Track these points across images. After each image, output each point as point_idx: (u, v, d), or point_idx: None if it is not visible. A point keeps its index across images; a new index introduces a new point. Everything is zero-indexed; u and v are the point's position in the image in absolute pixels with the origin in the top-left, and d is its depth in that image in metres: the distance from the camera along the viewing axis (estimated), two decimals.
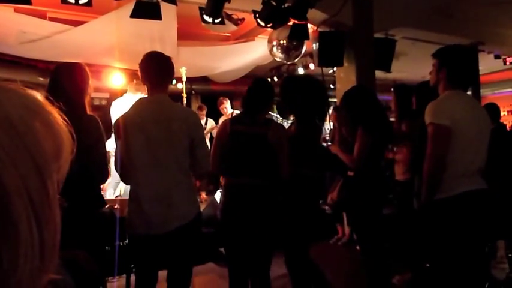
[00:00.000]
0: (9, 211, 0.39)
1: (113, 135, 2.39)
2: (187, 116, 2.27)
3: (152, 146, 2.15)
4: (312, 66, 6.91)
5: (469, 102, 2.36)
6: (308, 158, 2.71)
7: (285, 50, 5.06)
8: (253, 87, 2.63)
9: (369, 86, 4.39)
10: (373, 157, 2.84)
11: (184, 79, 5.57)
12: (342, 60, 4.55)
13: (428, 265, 3.03)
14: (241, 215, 2.45)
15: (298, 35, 4.46)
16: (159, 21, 3.81)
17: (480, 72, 6.63)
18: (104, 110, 6.98)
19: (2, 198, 0.39)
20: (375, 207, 2.93)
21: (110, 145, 2.83)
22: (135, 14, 3.60)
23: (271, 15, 3.95)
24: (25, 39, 5.04)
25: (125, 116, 2.22)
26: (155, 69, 2.26)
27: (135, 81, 5.08)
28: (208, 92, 8.71)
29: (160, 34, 4.94)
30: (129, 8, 3.77)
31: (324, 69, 5.11)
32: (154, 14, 3.59)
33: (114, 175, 3.16)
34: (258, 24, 4.10)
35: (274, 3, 3.76)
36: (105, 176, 2.37)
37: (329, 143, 3.06)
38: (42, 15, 5.06)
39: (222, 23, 4.02)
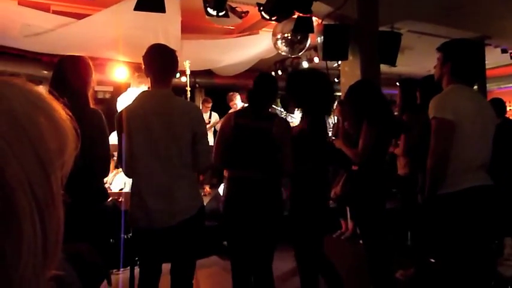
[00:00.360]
0: (13, 206, 0.39)
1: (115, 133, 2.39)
2: (190, 110, 2.26)
3: (154, 139, 2.14)
4: (316, 59, 6.88)
5: (473, 96, 2.33)
6: (320, 152, 2.70)
7: (290, 43, 5.03)
8: (259, 81, 2.62)
9: (373, 80, 4.36)
10: (377, 151, 2.83)
11: (188, 72, 5.55)
12: (347, 54, 4.51)
13: (432, 260, 3.03)
14: (244, 208, 2.46)
15: (302, 28, 4.42)
16: (162, 14, 3.79)
17: (486, 67, 6.57)
18: (107, 103, 7.00)
19: (5, 193, 0.38)
20: (379, 202, 2.92)
21: (113, 138, 2.83)
22: (138, 7, 3.58)
23: (275, 8, 3.91)
24: (29, 32, 5.04)
25: (127, 109, 2.21)
26: (159, 62, 2.24)
27: (136, 74, 5.06)
28: (212, 85, 8.69)
29: (163, 27, 4.92)
30: (133, 0, 3.75)
31: (329, 62, 5.07)
32: (158, 6, 3.57)
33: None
34: (263, 17, 4.07)
35: None
36: (107, 169, 2.37)
37: (333, 138, 3.04)
38: (46, 8, 5.06)
39: (226, 16, 3.99)
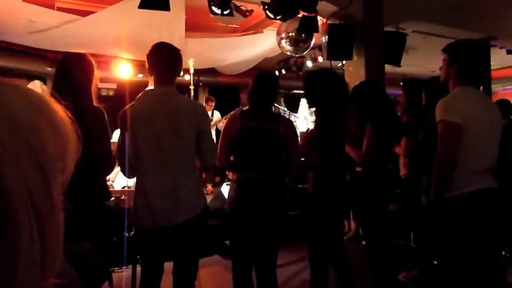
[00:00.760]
0: (10, 214, 0.37)
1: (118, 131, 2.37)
2: (195, 109, 2.25)
3: (159, 138, 2.13)
4: (320, 59, 6.85)
5: (480, 98, 2.31)
6: (333, 151, 2.72)
7: (294, 42, 5.02)
8: (259, 80, 2.58)
9: (378, 80, 4.34)
10: (381, 153, 2.82)
11: (191, 71, 5.55)
12: (352, 54, 4.49)
13: (435, 262, 3.01)
14: (252, 209, 2.44)
15: (307, 28, 4.41)
16: (167, 12, 3.78)
17: (491, 68, 6.53)
18: (111, 100, 7.01)
19: (2, 199, 0.37)
20: (382, 203, 2.91)
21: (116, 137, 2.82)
22: (143, 5, 3.57)
23: (280, 7, 3.90)
24: (33, 28, 5.04)
25: (130, 108, 2.19)
26: (163, 60, 2.22)
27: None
28: (216, 83, 8.68)
29: (168, 25, 4.92)
30: None
31: (333, 62, 5.06)
32: (163, 4, 3.56)
33: None
34: (267, 16, 4.06)
35: None
36: (110, 167, 2.36)
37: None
38: (50, 5, 5.06)
39: (230, 14, 3.98)
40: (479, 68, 2.38)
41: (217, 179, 7.47)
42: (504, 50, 6.87)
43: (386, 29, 4.72)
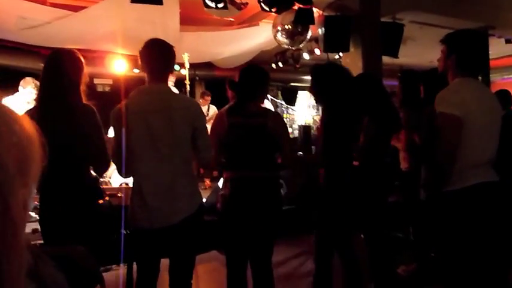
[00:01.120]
0: None
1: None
2: (189, 105, 2.21)
3: (154, 136, 2.09)
4: (317, 51, 6.79)
5: (480, 90, 2.28)
6: (339, 147, 2.69)
7: (290, 35, 4.97)
8: (245, 74, 2.51)
9: (375, 72, 4.30)
10: (378, 147, 2.79)
11: (187, 65, 5.49)
12: (348, 46, 4.44)
13: (433, 255, 3.00)
14: (246, 207, 2.41)
15: (303, 20, 4.35)
16: (160, 6, 3.73)
17: (490, 57, 6.48)
18: (107, 96, 6.95)
19: None
20: (380, 197, 2.90)
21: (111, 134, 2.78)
22: None
23: (275, 0, 3.84)
24: (25, 25, 4.98)
25: (124, 106, 2.15)
26: (156, 57, 2.18)
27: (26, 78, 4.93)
28: (212, 77, 8.62)
29: (162, 19, 4.86)
30: None
31: (330, 54, 5.01)
32: None
33: None
34: (262, 8, 4.01)
35: None
36: (106, 165, 2.33)
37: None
38: (42, 1, 4.99)
39: (225, 8, 3.93)
40: (478, 59, 2.34)
41: (215, 173, 7.44)
42: (503, 40, 6.81)
43: (383, 19, 4.66)
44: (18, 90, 4.92)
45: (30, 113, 2.20)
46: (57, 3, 5.13)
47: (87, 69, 2.31)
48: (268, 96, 6.75)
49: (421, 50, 7.23)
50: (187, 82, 5.67)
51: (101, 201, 2.26)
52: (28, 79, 4.91)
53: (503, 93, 4.13)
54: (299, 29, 4.91)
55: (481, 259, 2.12)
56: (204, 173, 6.64)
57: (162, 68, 2.20)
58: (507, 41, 6.86)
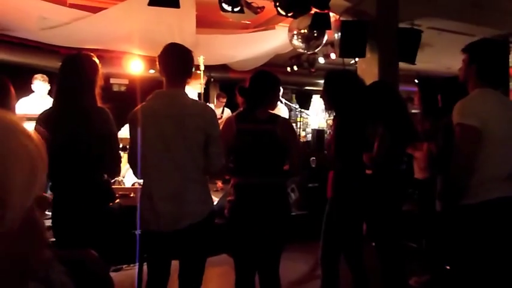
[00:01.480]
0: None
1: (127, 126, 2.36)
2: (203, 112, 2.21)
3: (166, 141, 2.10)
4: (333, 55, 6.75)
5: (500, 101, 2.22)
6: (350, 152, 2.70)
7: (306, 39, 4.94)
8: (254, 81, 2.50)
9: (392, 79, 4.25)
10: (393, 156, 2.75)
11: (202, 68, 5.52)
12: (365, 51, 4.40)
13: (448, 268, 2.94)
14: (254, 214, 2.41)
15: (319, 25, 4.33)
16: (177, 8, 3.75)
17: (510, 65, 6.35)
18: (123, 96, 7.03)
19: None
20: (393, 206, 2.86)
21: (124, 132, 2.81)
22: (153, 2, 3.54)
23: (292, 4, 3.83)
24: (45, 25, 5.08)
25: (140, 109, 2.17)
26: (174, 62, 2.19)
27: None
28: (227, 79, 8.64)
29: (178, 22, 4.90)
30: None
31: (346, 59, 4.97)
32: (172, 1, 3.53)
33: None
34: (279, 13, 4.00)
35: None
36: (118, 167, 2.35)
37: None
38: (62, 2, 5.08)
39: (241, 11, 3.93)
40: (498, 69, 2.29)
41: (227, 176, 7.44)
42: None
43: (400, 25, 4.61)
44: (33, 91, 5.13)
45: (45, 115, 2.24)
46: (77, 4, 5.21)
47: (104, 70, 2.34)
48: (282, 99, 6.73)
49: (438, 56, 7.12)
50: (202, 84, 5.69)
51: (111, 204, 2.28)
52: (35, 76, 5.16)
53: None
54: (315, 34, 4.89)
55: (498, 275, 2.07)
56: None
57: (180, 72, 2.21)
58: None
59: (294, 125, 4.47)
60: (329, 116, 10.17)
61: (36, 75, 5.26)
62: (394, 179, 2.82)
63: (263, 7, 4.31)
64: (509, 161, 2.12)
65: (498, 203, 2.04)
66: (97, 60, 2.29)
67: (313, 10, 4.12)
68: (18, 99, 3.27)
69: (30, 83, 5.19)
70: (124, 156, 3.11)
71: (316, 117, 10.52)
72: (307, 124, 10.07)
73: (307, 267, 4.04)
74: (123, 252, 2.81)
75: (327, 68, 7.85)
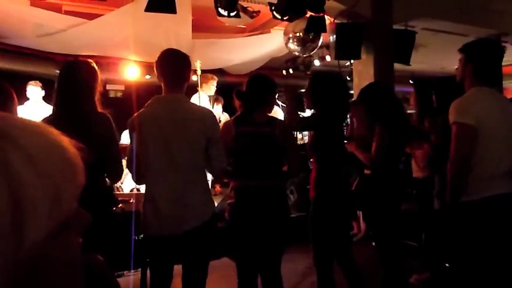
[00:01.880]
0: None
1: (127, 132, 2.38)
2: (203, 116, 2.23)
3: (168, 145, 2.12)
4: (328, 58, 6.80)
5: (496, 99, 2.26)
6: (328, 153, 2.70)
7: (301, 42, 4.98)
8: (251, 84, 2.54)
9: (387, 80, 4.29)
10: (391, 156, 2.78)
11: (199, 72, 5.54)
12: (360, 53, 4.44)
13: (447, 265, 2.97)
14: (254, 216, 2.43)
15: (315, 28, 4.36)
16: (173, 14, 3.77)
17: (502, 64, 6.41)
18: (119, 102, 7.03)
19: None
20: (392, 205, 2.88)
21: (123, 138, 2.83)
22: (150, 8, 3.57)
23: (287, 8, 3.86)
24: (41, 32, 5.08)
25: (140, 115, 2.19)
26: (171, 67, 2.21)
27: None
28: (223, 83, 8.65)
29: (175, 27, 4.92)
30: (144, 1, 3.74)
31: (341, 61, 5.00)
32: (169, 7, 3.55)
33: None
34: (274, 17, 4.03)
35: None
36: (120, 172, 2.36)
37: (345, 141, 2.99)
38: (57, 9, 5.09)
39: (237, 16, 3.96)
40: (494, 68, 2.34)
41: (226, 179, 7.44)
42: None
43: (395, 27, 4.66)
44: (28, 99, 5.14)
45: (46, 121, 2.25)
46: (72, 11, 5.22)
47: (101, 77, 2.35)
48: (279, 102, 6.76)
49: (433, 56, 7.19)
50: (199, 89, 5.71)
51: (114, 208, 2.29)
52: (29, 82, 5.21)
53: None
54: (310, 37, 4.92)
55: (497, 271, 2.10)
56: (214, 179, 6.66)
57: (177, 78, 2.23)
58: None
59: None
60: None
61: (29, 82, 5.26)
62: (393, 178, 2.84)
63: (259, 11, 4.34)
64: (506, 157, 2.15)
65: (496, 199, 2.07)
66: (96, 66, 2.30)
67: (309, 13, 4.15)
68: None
69: (25, 90, 5.19)
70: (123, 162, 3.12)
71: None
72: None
73: (307, 269, 4.05)
74: (124, 258, 2.82)
75: (322, 70, 7.90)
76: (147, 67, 6.64)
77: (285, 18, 4.03)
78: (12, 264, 0.39)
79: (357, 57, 4.47)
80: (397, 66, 4.72)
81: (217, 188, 6.87)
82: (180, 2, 3.75)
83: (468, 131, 2.07)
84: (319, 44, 5.18)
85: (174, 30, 4.98)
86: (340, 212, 2.71)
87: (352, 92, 5.24)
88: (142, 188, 2.50)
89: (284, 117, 5.68)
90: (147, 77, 6.88)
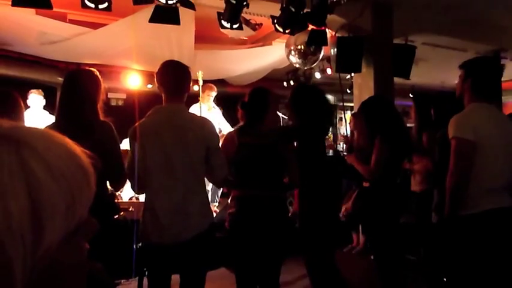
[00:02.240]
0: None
1: (127, 141, 2.39)
2: (203, 125, 2.26)
3: (168, 155, 2.14)
4: (329, 70, 6.85)
5: (494, 114, 2.30)
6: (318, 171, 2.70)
7: (303, 55, 5.03)
8: (252, 97, 2.59)
9: (387, 93, 4.33)
10: (390, 169, 2.80)
11: (200, 83, 5.58)
12: (360, 67, 4.49)
13: (445, 279, 2.96)
14: (254, 226, 2.44)
15: (316, 41, 4.42)
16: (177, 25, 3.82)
17: (502, 79, 6.46)
18: (120, 110, 7.06)
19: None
20: (391, 219, 2.88)
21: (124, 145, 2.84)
22: (154, 19, 3.61)
23: (289, 21, 3.91)
24: (45, 40, 5.12)
25: (140, 125, 2.21)
26: (171, 78, 2.25)
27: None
28: (225, 94, 8.70)
29: (177, 38, 4.96)
30: (148, 11, 3.79)
31: (342, 74, 5.05)
32: (173, 18, 3.60)
33: None
34: (276, 30, 4.07)
35: (293, 9, 3.72)
36: (123, 180, 2.37)
37: (345, 153, 3.02)
38: (62, 17, 5.14)
39: (240, 28, 4.00)
40: (493, 84, 2.38)
41: (225, 189, 7.44)
42: None
43: (395, 41, 4.71)
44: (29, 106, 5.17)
45: (49, 129, 2.27)
46: (77, 20, 5.28)
47: (103, 85, 2.38)
48: (279, 113, 6.78)
49: (433, 70, 7.25)
50: (200, 99, 5.75)
51: (116, 216, 2.29)
52: (31, 90, 5.31)
53: None
54: (312, 49, 4.98)
55: (495, 285, 2.10)
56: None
57: (178, 88, 2.26)
58: None
59: None
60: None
61: (31, 90, 5.29)
62: (392, 191, 2.86)
63: (261, 24, 4.39)
64: (504, 173, 2.17)
65: (494, 213, 2.08)
66: (99, 75, 2.33)
67: (310, 27, 4.20)
68: None
69: (27, 98, 5.22)
70: None
71: None
72: None
73: (304, 280, 4.04)
74: (121, 267, 2.81)
75: (323, 82, 7.94)
76: (149, 76, 6.69)
77: (286, 31, 4.08)
78: (30, 266, 0.41)
79: (358, 70, 4.52)
80: (398, 79, 4.76)
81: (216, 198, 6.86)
82: (183, 13, 3.80)
83: (467, 145, 2.10)
84: (320, 57, 5.24)
85: (177, 41, 5.03)
86: (324, 225, 2.70)
87: (352, 104, 5.29)
88: (142, 197, 2.51)
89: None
90: (149, 86, 6.93)
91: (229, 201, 4.91)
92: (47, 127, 2.29)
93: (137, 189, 2.26)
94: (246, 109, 2.58)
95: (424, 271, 3.53)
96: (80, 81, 2.27)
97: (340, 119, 9.90)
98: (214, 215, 2.62)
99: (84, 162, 0.50)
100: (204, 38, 5.61)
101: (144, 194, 2.28)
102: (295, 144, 2.75)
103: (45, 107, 5.35)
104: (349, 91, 6.55)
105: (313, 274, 2.75)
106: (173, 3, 3.49)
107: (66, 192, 0.45)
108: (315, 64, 5.54)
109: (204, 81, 5.93)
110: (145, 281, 2.66)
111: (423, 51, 5.72)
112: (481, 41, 5.65)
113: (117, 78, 6.64)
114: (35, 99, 5.24)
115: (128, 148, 2.28)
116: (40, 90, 5.35)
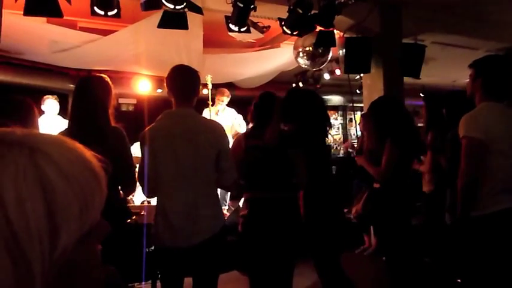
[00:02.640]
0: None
1: (137, 145, 2.41)
2: (213, 129, 2.28)
3: (179, 159, 2.16)
4: (338, 71, 6.83)
5: (505, 114, 2.27)
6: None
7: (311, 56, 5.02)
8: (261, 100, 2.61)
9: (397, 93, 4.30)
10: (400, 170, 2.77)
11: (210, 86, 5.62)
12: (369, 67, 4.47)
13: (459, 281, 2.93)
14: (266, 228, 2.44)
15: (324, 43, 4.41)
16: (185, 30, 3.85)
17: None
18: (131, 115, 7.13)
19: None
20: (402, 220, 2.86)
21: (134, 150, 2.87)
22: (162, 24, 3.64)
23: (297, 23, 3.91)
24: (57, 48, 5.20)
25: (151, 129, 2.24)
26: (180, 83, 2.27)
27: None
28: (233, 97, 8.72)
29: (186, 42, 5.00)
30: (157, 17, 3.82)
31: (351, 75, 5.03)
32: (181, 23, 3.63)
33: None
34: (284, 32, 4.08)
35: (301, 11, 3.72)
36: (133, 187, 2.40)
37: (354, 154, 3.00)
38: (73, 25, 5.22)
39: (247, 31, 4.02)
40: (503, 83, 2.35)
41: (236, 192, 7.46)
42: None
43: (404, 41, 4.68)
44: (43, 112, 5.26)
45: (62, 135, 2.30)
46: (87, 28, 5.35)
47: (114, 91, 2.42)
48: None
49: (443, 69, 7.17)
50: (210, 102, 5.78)
51: (128, 221, 2.32)
52: (46, 96, 5.44)
53: None
54: (320, 51, 4.97)
55: (509, 286, 2.07)
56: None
57: (187, 93, 2.29)
58: None
59: None
60: (336, 130, 10.20)
61: (46, 96, 5.41)
62: (402, 192, 2.84)
63: (269, 26, 4.39)
64: None
65: (507, 214, 2.06)
66: (110, 82, 2.37)
67: (318, 28, 4.20)
68: None
69: (40, 104, 5.32)
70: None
71: None
72: None
73: (315, 283, 4.02)
74: (134, 270, 2.84)
75: (332, 84, 7.92)
76: (159, 81, 6.74)
77: (294, 33, 4.08)
78: (48, 268, 0.42)
79: (367, 71, 4.50)
80: (408, 79, 4.73)
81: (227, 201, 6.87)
82: (191, 18, 3.83)
83: (477, 145, 2.08)
84: (329, 58, 5.22)
85: (185, 46, 5.06)
86: (327, 228, 2.70)
87: (362, 105, 5.27)
88: (153, 201, 2.53)
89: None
90: (159, 90, 6.99)
91: (240, 204, 4.92)
92: (59, 133, 2.33)
93: (148, 193, 2.28)
94: (255, 112, 2.59)
95: (437, 272, 3.49)
96: (91, 88, 2.31)
97: (350, 120, 9.86)
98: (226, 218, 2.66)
99: (95, 166, 0.51)
100: (212, 42, 5.63)
101: (155, 198, 2.30)
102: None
103: (59, 113, 5.45)
104: (358, 92, 6.52)
105: (322, 276, 2.74)
106: (181, 8, 3.52)
107: (79, 195, 0.46)
108: (324, 65, 5.53)
109: (215, 85, 5.97)
110: (158, 284, 2.68)
111: (433, 51, 5.67)
112: (492, 38, 5.59)
113: (127, 84, 6.71)
114: (50, 105, 5.34)
115: (139, 155, 2.31)
116: (55, 96, 5.45)
